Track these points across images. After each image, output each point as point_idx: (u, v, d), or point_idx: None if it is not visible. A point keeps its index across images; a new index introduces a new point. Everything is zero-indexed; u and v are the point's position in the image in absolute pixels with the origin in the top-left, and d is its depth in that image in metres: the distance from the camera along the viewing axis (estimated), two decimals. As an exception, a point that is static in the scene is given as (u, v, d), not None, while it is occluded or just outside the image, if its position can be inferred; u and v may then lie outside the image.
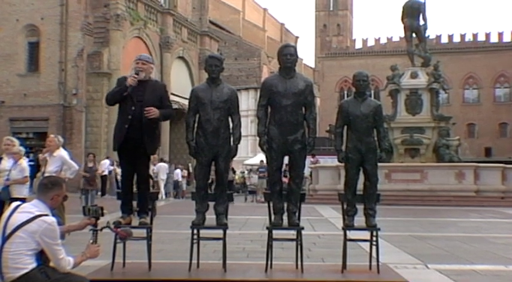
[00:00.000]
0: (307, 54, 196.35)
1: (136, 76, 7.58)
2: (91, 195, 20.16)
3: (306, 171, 25.77)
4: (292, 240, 7.91)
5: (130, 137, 7.52)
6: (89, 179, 20.25)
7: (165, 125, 38.88)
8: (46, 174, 10.63)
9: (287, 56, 7.75)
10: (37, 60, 37.29)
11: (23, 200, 9.59)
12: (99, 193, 20.93)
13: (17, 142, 11.64)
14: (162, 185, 30.88)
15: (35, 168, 13.33)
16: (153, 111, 7.46)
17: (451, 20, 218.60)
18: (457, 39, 75.92)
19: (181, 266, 7.89)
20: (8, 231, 5.09)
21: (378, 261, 7.92)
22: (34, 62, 37.46)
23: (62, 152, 11.87)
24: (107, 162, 32.15)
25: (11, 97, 36.55)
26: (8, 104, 36.38)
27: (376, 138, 8.15)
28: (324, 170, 30.54)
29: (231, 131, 7.82)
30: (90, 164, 21.04)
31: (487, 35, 75.25)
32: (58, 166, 11.52)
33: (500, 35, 74.94)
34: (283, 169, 8.10)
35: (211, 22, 58.37)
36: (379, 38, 79.14)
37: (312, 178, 30.93)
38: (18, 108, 36.36)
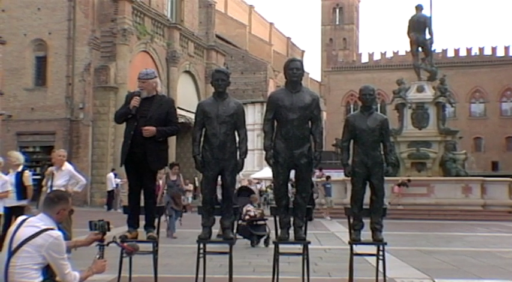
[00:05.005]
0: (313, 68, 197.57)
1: (138, 98, 7.61)
2: (173, 218, 16.81)
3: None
4: (298, 254, 7.88)
5: (135, 152, 7.53)
6: (173, 195, 16.88)
7: (172, 139, 38.86)
8: (54, 188, 10.63)
9: (293, 70, 7.75)
10: (44, 74, 37.45)
11: None
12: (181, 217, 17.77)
13: (14, 156, 11.87)
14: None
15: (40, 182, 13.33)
16: (149, 131, 7.48)
17: (457, 34, 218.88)
18: (463, 53, 75.99)
19: (187, 281, 7.87)
20: (14, 245, 5.08)
21: (384, 276, 7.88)
22: (41, 76, 37.63)
23: (69, 166, 11.91)
24: (112, 176, 32.15)
25: (18, 111, 36.63)
26: (15, 118, 36.44)
27: (382, 152, 8.14)
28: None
29: (237, 145, 7.81)
30: (173, 177, 16.99)
31: (493, 49, 75.28)
32: (66, 180, 11.54)
33: (507, 49, 74.92)
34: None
35: (217, 36, 58.57)
36: (385, 52, 79.31)
37: (318, 192, 30.82)
38: (25, 122, 36.46)
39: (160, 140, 7.67)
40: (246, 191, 15.92)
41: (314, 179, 27.02)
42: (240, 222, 14.59)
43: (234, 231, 14.57)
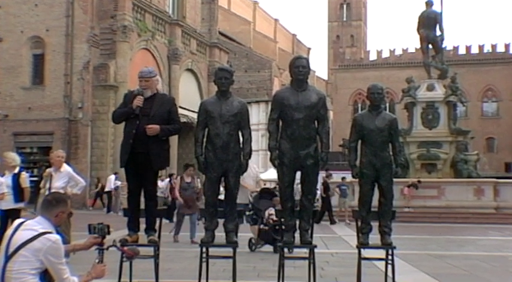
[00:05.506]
0: (319, 66, 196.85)
1: (142, 97, 7.61)
2: (190, 222, 16.47)
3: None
4: (304, 258, 7.88)
5: (136, 152, 7.52)
6: (187, 199, 16.68)
7: (173, 140, 38.90)
8: (53, 190, 10.65)
9: (299, 68, 7.75)
10: (42, 72, 37.46)
11: None
12: (200, 219, 17.03)
13: (10, 156, 11.91)
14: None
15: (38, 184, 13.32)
16: (153, 129, 7.49)
17: (469, 31, 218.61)
18: (475, 50, 75.83)
19: (189, 286, 7.86)
20: (11, 249, 5.07)
21: (393, 281, 7.87)
22: (39, 75, 37.64)
23: (68, 167, 11.93)
24: (113, 177, 32.19)
25: (15, 111, 36.69)
26: (11, 118, 36.51)
27: (391, 153, 8.13)
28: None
29: (241, 145, 7.82)
30: (188, 179, 17.01)
31: (507, 46, 75.10)
32: (65, 182, 11.56)
33: (520, 45, 74.74)
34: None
35: (220, 33, 58.60)
36: (394, 49, 79.22)
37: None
38: (22, 122, 36.49)
39: (163, 139, 7.69)
40: (268, 194, 15.06)
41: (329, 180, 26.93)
42: (262, 226, 14.15)
43: (256, 236, 14.35)
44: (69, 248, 5.97)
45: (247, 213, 14.50)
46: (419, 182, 28.88)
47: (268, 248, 14.12)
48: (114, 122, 8.08)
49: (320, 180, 24.48)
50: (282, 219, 11.32)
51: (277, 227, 13.47)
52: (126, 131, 7.68)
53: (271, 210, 14.01)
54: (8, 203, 11.49)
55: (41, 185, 12.02)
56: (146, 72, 7.76)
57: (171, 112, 7.78)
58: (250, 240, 14.25)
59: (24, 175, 11.94)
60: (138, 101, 7.57)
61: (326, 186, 26.24)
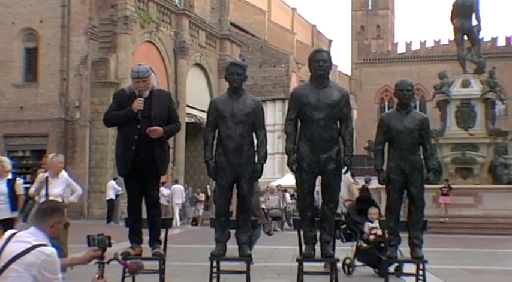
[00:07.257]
0: (342, 60, 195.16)
1: (142, 99, 7.62)
2: (254, 236, 15.65)
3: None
4: (325, 273, 7.88)
5: (140, 157, 7.55)
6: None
7: (181, 142, 38.94)
8: (51, 198, 10.67)
9: (319, 63, 7.75)
10: (35, 68, 37.53)
11: None
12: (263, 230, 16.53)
13: (6, 160, 11.93)
14: (177, 210, 30.93)
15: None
16: (158, 131, 7.52)
17: (509, 20, 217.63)
18: (515, 41, 75.51)
19: (198, 304, 7.88)
20: (2, 263, 5.07)
21: (425, 298, 7.85)
22: (32, 71, 37.72)
23: (65, 173, 11.95)
24: (113, 183, 32.15)
25: (6, 110, 36.76)
26: (2, 119, 36.59)
27: (422, 157, 8.11)
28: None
29: (255, 148, 7.82)
30: None
31: (550, 37, 74.77)
32: (63, 189, 11.58)
33: None
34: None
35: (232, 24, 58.63)
36: (425, 41, 79.15)
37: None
38: (14, 123, 36.56)
39: (164, 141, 7.74)
40: (365, 203, 13.23)
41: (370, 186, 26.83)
42: (359, 243, 12.46)
43: (353, 256, 12.46)
44: (66, 261, 5.98)
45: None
46: (446, 180, 29.24)
47: (367, 269, 12.55)
48: (107, 125, 8.16)
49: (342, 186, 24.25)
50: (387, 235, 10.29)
51: (382, 245, 11.62)
52: (125, 137, 7.71)
53: (374, 223, 12.40)
54: (4, 212, 11.44)
55: (31, 191, 12.01)
56: (144, 72, 7.71)
57: (170, 110, 7.84)
58: (344, 261, 12.36)
59: (19, 181, 11.97)
60: (139, 104, 7.57)
61: (368, 193, 26.09)
